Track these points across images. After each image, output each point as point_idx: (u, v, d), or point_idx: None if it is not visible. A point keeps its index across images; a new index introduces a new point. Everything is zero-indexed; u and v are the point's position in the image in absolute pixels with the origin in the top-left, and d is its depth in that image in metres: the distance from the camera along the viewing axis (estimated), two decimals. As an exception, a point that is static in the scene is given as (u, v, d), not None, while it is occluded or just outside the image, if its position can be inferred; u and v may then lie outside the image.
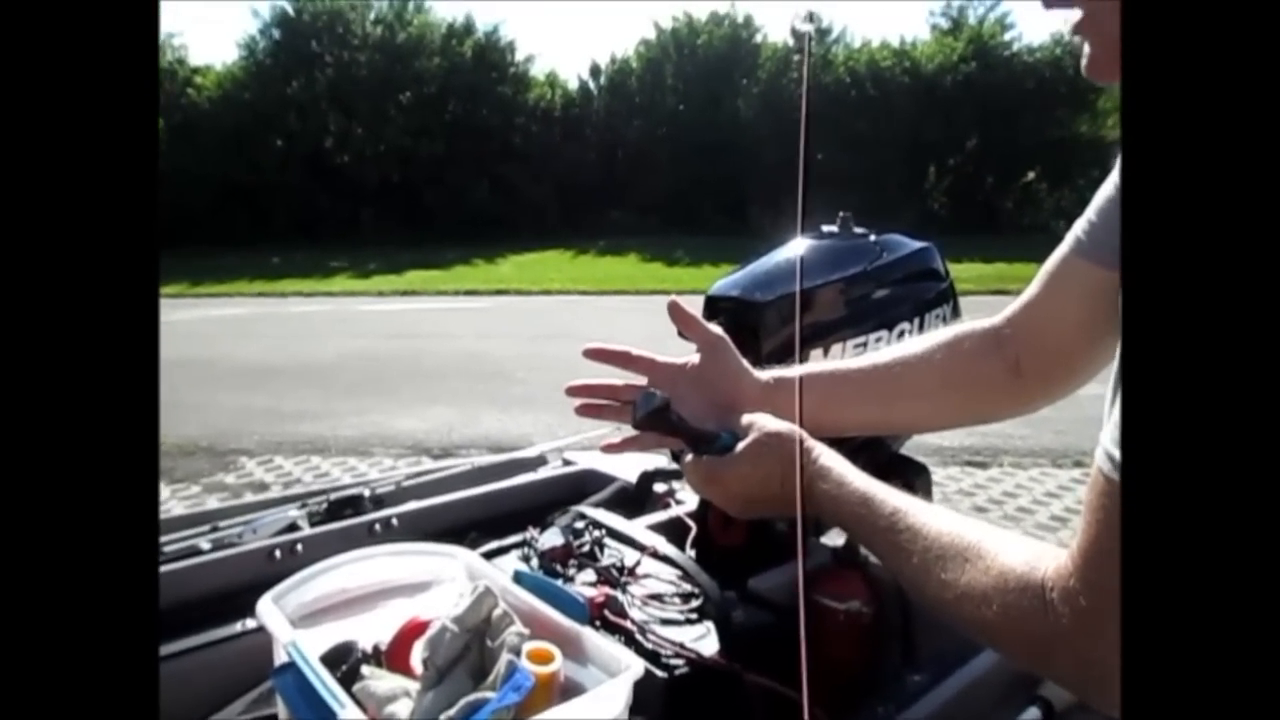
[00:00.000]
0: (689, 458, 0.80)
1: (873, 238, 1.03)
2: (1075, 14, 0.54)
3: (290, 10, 19.13)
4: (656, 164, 19.26)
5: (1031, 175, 18.75)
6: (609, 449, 0.90)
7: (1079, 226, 0.77)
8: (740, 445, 0.77)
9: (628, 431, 0.86)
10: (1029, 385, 0.84)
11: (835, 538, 0.93)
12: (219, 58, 20.23)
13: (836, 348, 0.96)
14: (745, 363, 0.87)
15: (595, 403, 0.90)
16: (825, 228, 1.04)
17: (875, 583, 0.86)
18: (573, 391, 0.90)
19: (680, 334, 0.90)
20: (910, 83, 18.97)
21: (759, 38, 20.37)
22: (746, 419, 0.79)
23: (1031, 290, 0.83)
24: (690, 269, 13.61)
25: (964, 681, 0.79)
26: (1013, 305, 0.84)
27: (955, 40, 19.66)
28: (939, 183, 19.30)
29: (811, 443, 0.74)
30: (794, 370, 0.85)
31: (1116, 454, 0.45)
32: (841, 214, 1.03)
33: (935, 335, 0.87)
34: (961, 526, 0.61)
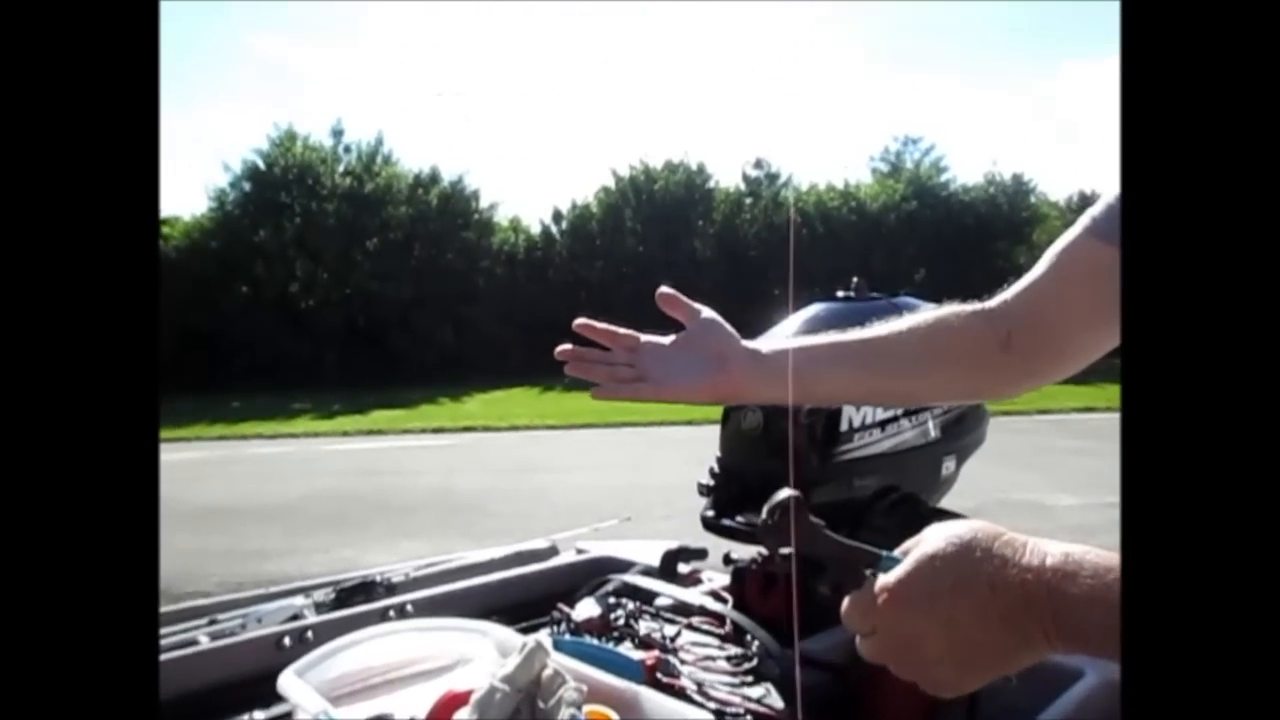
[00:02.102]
0: (846, 601, 0.55)
1: (887, 300, 1.05)
2: None
3: (261, 164, 19.77)
4: (618, 303, 19.73)
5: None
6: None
7: (1091, 210, 0.79)
8: (913, 561, 0.53)
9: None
10: (1016, 361, 0.83)
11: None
12: (188, 209, 20.40)
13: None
14: (734, 332, 0.83)
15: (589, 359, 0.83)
16: (840, 292, 1.06)
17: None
18: (565, 355, 0.82)
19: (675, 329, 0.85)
20: (857, 221, 20.03)
21: (712, 183, 21.53)
22: (910, 542, 0.57)
23: (1035, 272, 0.83)
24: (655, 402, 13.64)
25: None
26: (1010, 289, 0.84)
27: (896, 181, 21.00)
28: (891, 313, 19.99)
29: (1015, 535, 0.53)
30: (786, 342, 0.82)
31: None
32: (855, 279, 1.06)
33: (924, 311, 0.85)
34: None
